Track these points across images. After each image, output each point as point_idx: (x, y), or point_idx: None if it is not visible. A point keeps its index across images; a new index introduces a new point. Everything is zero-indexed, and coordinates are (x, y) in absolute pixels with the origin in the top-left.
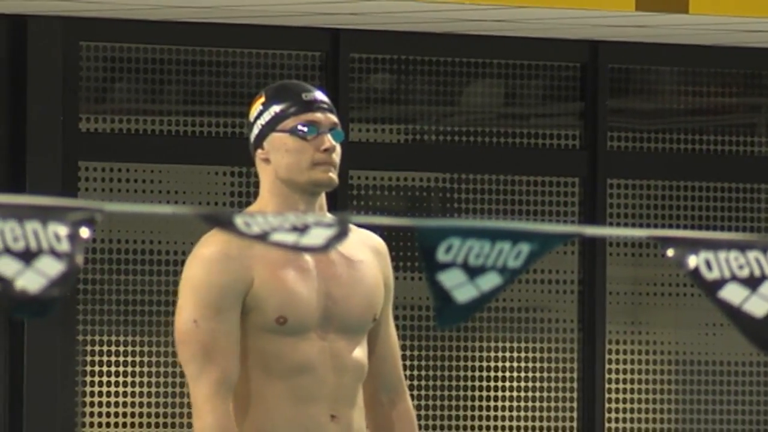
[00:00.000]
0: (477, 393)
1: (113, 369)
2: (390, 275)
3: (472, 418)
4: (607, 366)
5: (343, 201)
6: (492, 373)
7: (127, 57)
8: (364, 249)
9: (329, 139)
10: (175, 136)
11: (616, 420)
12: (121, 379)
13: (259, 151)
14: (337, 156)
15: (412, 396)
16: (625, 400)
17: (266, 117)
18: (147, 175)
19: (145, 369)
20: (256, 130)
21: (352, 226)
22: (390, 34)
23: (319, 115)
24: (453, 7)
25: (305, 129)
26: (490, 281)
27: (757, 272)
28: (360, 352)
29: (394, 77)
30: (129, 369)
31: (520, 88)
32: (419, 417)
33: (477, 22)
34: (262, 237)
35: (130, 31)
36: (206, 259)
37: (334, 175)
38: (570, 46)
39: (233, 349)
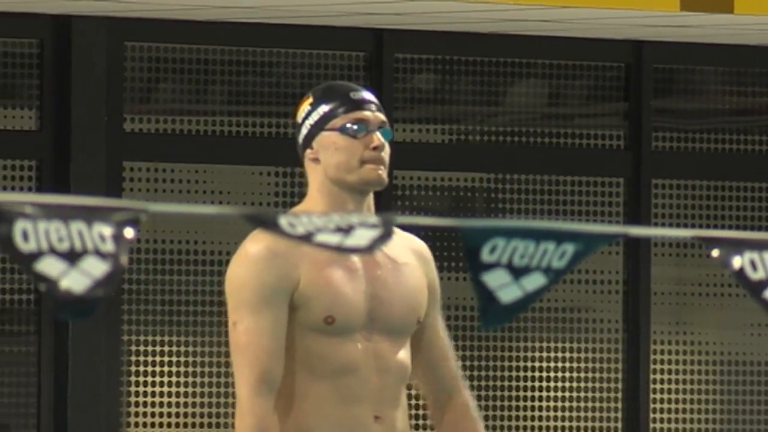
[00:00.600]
0: (521, 393)
1: (157, 369)
2: (435, 278)
3: (517, 418)
4: (651, 366)
5: (387, 201)
6: (536, 374)
7: (171, 57)
8: (408, 252)
9: (378, 137)
10: (219, 137)
11: (661, 420)
12: (165, 379)
13: (308, 151)
14: (386, 154)
15: None
16: (669, 401)
17: (315, 117)
18: (191, 176)
19: (189, 369)
20: (304, 131)
21: (395, 229)
22: (434, 34)
23: (367, 114)
24: (497, 7)
25: (355, 127)
26: (534, 282)
27: None
28: (404, 354)
29: (438, 77)
30: (173, 369)
31: (564, 88)
32: None
33: (521, 22)
34: (307, 237)
35: (175, 31)
36: (251, 257)
37: (383, 174)
38: (614, 46)
39: (276, 348)
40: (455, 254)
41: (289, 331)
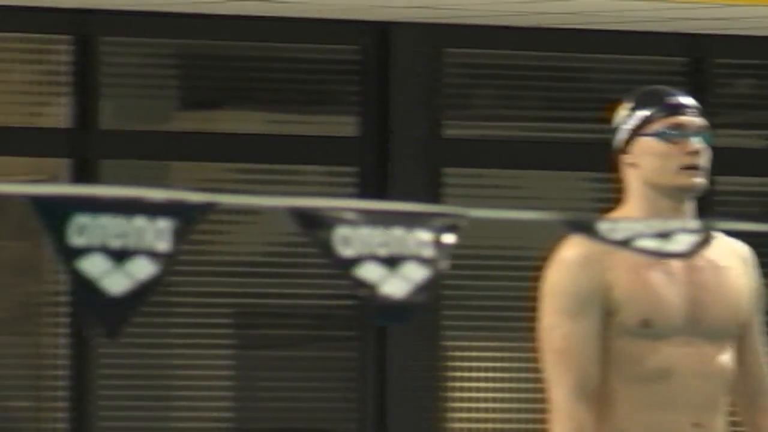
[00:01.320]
0: None
1: (476, 375)
2: (759, 284)
3: None
4: None
5: (707, 207)
6: None
7: (488, 63)
8: (731, 256)
9: (696, 142)
10: (536, 142)
11: None
12: (486, 384)
13: (625, 156)
14: (704, 159)
15: None
16: None
17: (633, 121)
18: (509, 181)
19: (508, 375)
20: (622, 135)
21: (717, 233)
22: (753, 39)
23: (685, 118)
24: None
25: (673, 132)
26: None
27: None
28: (726, 358)
29: (758, 83)
30: (492, 375)
31: None
32: None
33: None
34: (625, 243)
35: (492, 36)
36: (566, 262)
37: (700, 180)
38: None
39: (592, 353)
40: None
41: (604, 336)
